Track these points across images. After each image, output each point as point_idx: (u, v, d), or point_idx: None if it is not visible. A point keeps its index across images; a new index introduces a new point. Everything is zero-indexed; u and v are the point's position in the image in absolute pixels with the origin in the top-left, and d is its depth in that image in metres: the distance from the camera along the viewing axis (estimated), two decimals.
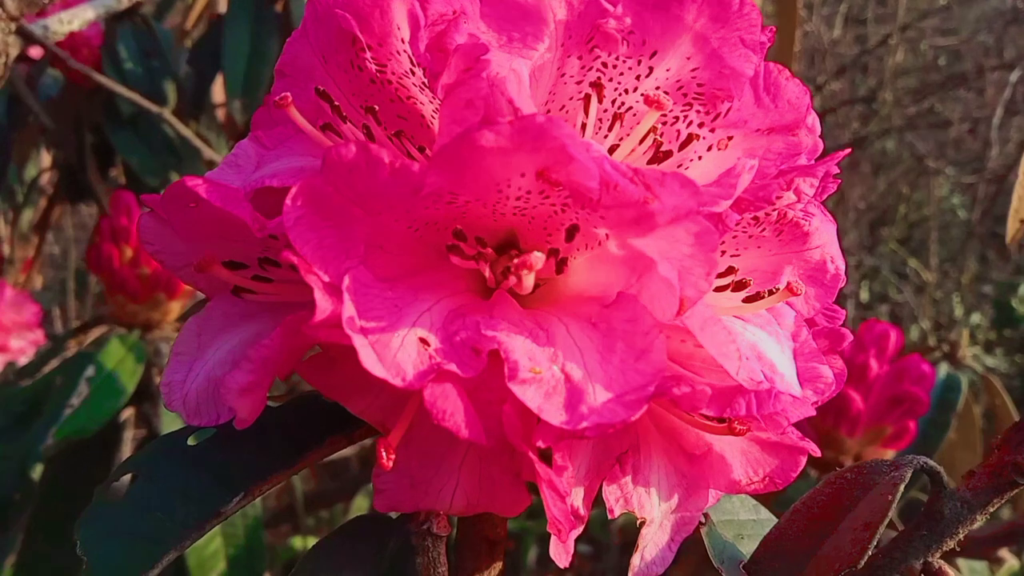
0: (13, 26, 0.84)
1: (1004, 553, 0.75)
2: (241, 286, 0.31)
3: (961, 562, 0.78)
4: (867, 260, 2.48)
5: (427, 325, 0.26)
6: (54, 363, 0.93)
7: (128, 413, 0.91)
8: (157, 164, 1.25)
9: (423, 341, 0.26)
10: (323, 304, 0.25)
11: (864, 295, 2.47)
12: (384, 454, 0.26)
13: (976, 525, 0.33)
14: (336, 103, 0.31)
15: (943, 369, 1.00)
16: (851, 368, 0.82)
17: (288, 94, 0.30)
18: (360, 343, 0.25)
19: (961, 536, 0.33)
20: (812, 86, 2.51)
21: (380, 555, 0.30)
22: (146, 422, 0.94)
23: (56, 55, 1.14)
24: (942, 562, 0.33)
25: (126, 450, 0.95)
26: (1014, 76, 2.10)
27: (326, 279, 0.26)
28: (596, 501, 0.33)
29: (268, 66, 1.22)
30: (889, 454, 0.84)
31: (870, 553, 0.31)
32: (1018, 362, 2.12)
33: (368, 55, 0.32)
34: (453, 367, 0.25)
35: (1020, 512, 0.70)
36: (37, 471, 0.87)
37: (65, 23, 1.03)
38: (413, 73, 0.32)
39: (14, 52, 0.90)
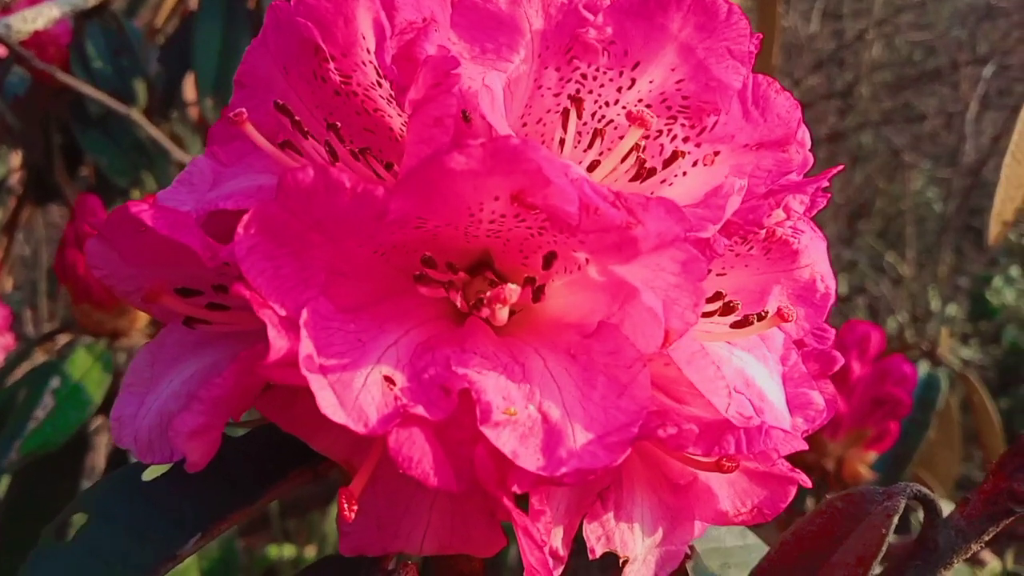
0: None
1: (985, 554, 0.74)
2: (194, 316, 0.28)
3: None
4: (845, 254, 2.49)
5: (393, 361, 0.24)
6: (20, 372, 0.89)
7: (100, 421, 0.88)
8: (127, 164, 1.21)
9: (388, 380, 0.24)
10: (278, 343, 0.23)
11: (842, 288, 2.48)
12: (346, 505, 0.24)
13: (970, 554, 0.32)
14: (297, 118, 0.29)
15: (923, 367, 1.00)
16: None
17: (244, 110, 0.28)
18: (318, 385, 0.22)
19: (957, 564, 0.32)
20: (790, 80, 2.51)
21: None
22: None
23: (16, 52, 1.10)
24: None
25: (100, 457, 0.92)
26: (987, 71, 2.10)
27: (282, 313, 0.24)
28: None
29: (239, 63, 1.19)
30: (871, 456, 0.83)
31: None
32: (992, 353, 2.14)
33: (332, 66, 0.29)
34: (420, 410, 0.23)
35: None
36: (2, 485, 0.84)
37: (29, 21, 0.99)
38: (380, 85, 0.29)
39: None
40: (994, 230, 0.70)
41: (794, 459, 0.67)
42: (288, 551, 1.43)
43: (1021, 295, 2.16)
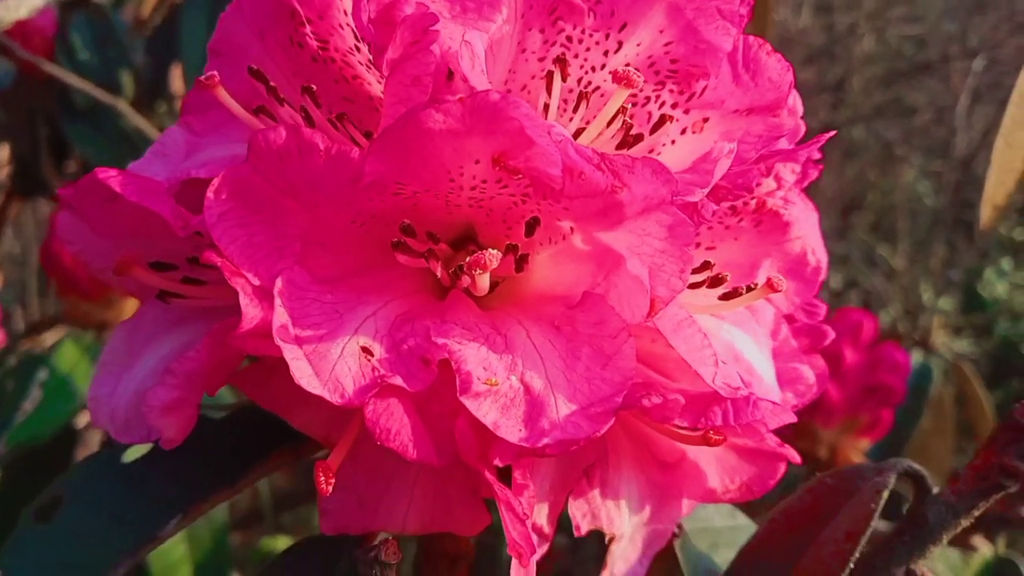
0: None
1: (977, 540, 0.74)
2: (168, 290, 0.27)
3: (938, 550, 0.77)
4: (837, 247, 2.48)
5: (371, 332, 0.23)
6: (7, 366, 0.88)
7: (88, 415, 0.87)
8: (114, 156, 1.19)
9: (366, 350, 0.23)
10: (250, 311, 0.22)
11: (835, 282, 2.48)
12: (323, 478, 0.23)
13: (960, 529, 0.31)
14: (272, 84, 0.28)
15: (916, 357, 0.99)
16: (825, 358, 0.80)
17: (215, 73, 0.27)
18: (293, 355, 0.21)
19: (945, 541, 0.31)
20: None
21: (341, 555, 0.27)
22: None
23: (4, 44, 1.08)
24: (924, 568, 0.30)
25: (90, 450, 0.91)
26: (977, 64, 2.11)
27: (256, 282, 0.23)
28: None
29: None
30: (864, 444, 0.83)
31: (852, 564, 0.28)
32: (984, 346, 2.14)
33: (308, 29, 0.28)
34: (399, 380, 0.22)
35: (997, 500, 0.69)
36: None
37: (12, 10, 0.98)
38: (358, 50, 0.28)
39: None
40: (986, 214, 0.70)
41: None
42: (282, 543, 1.42)
43: (1013, 288, 2.16)
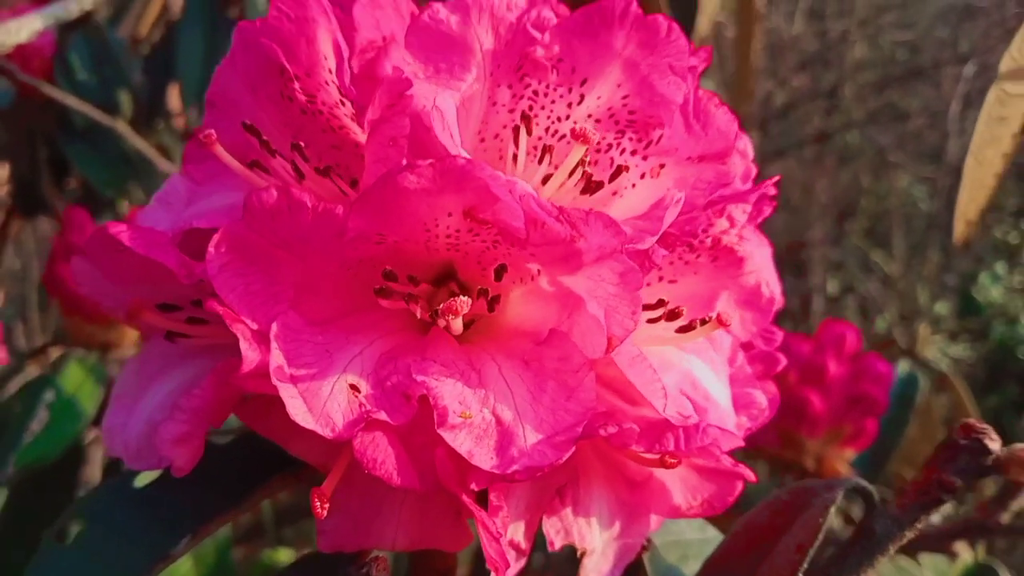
0: None
1: (959, 547, 0.76)
2: (174, 331, 0.30)
3: (924, 557, 0.80)
4: (833, 253, 2.51)
5: (358, 370, 0.26)
6: (12, 386, 0.91)
7: (94, 434, 0.90)
8: (113, 176, 1.23)
9: (353, 388, 0.26)
10: (250, 355, 0.25)
11: (832, 288, 2.50)
12: (318, 504, 0.26)
13: (905, 541, 0.34)
14: (265, 137, 0.31)
15: (903, 366, 1.02)
16: (810, 369, 0.83)
17: (212, 131, 0.30)
18: (288, 394, 0.24)
19: (892, 551, 0.34)
20: (774, 80, 2.54)
21: (340, 570, 0.29)
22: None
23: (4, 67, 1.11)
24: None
25: (95, 470, 0.94)
26: (968, 70, 2.14)
27: (254, 327, 0.26)
28: None
29: None
30: (849, 453, 0.85)
31: (805, 569, 0.31)
32: (980, 351, 2.17)
33: (297, 85, 0.31)
34: (383, 415, 0.25)
35: (977, 508, 0.72)
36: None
37: (13, 34, 1.01)
38: (343, 104, 0.31)
39: None
40: (959, 229, 0.73)
41: (773, 457, 0.68)
42: (284, 555, 1.45)
43: (1008, 292, 2.19)
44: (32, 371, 0.90)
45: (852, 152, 2.60)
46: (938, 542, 0.79)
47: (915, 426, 0.99)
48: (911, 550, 0.76)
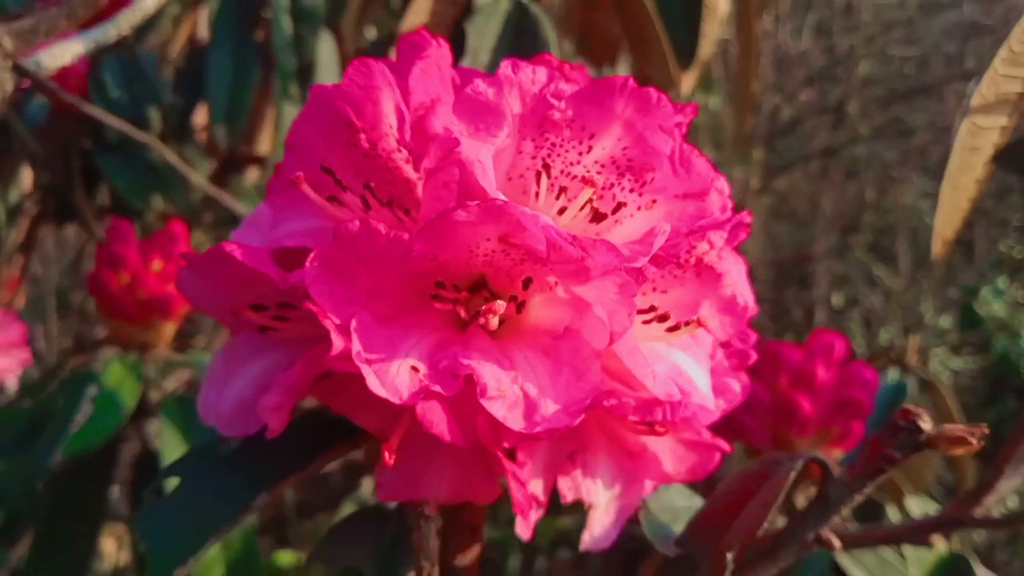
0: (10, 63, 0.92)
1: (935, 539, 0.85)
2: (266, 325, 0.39)
3: (908, 549, 0.88)
4: (838, 267, 2.60)
5: (416, 356, 0.35)
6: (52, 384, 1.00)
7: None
8: (142, 187, 1.32)
9: (414, 368, 0.35)
10: (337, 342, 0.34)
11: (836, 300, 2.59)
12: (387, 455, 0.35)
13: (855, 503, 0.42)
14: (338, 176, 0.40)
15: (892, 374, 1.10)
16: (800, 375, 0.92)
17: (301, 173, 0.39)
18: (367, 371, 0.33)
19: (845, 512, 0.42)
20: (781, 95, 2.63)
21: (383, 534, 0.38)
22: (141, 439, 1.01)
23: (44, 86, 1.21)
24: (829, 533, 0.42)
25: (122, 465, 1.03)
26: (972, 87, 2.22)
27: (337, 322, 0.35)
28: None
29: (249, 93, 1.31)
30: (837, 453, 0.94)
31: (768, 527, 0.40)
32: (981, 364, 2.25)
33: (362, 136, 0.40)
34: (438, 388, 0.34)
35: (953, 504, 0.80)
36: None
37: (57, 57, 1.11)
38: (400, 150, 0.40)
39: (10, 87, 0.98)
40: (937, 248, 0.82)
41: (764, 455, 0.75)
42: (286, 558, 1.53)
43: (1009, 306, 2.27)
44: (72, 369, 0.99)
45: (858, 166, 2.69)
46: (918, 535, 0.88)
47: None
48: (894, 543, 0.85)
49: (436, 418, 0.34)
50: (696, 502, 0.48)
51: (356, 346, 0.34)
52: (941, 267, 2.45)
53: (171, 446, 0.92)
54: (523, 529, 0.38)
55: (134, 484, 1.00)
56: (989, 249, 2.57)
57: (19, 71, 0.95)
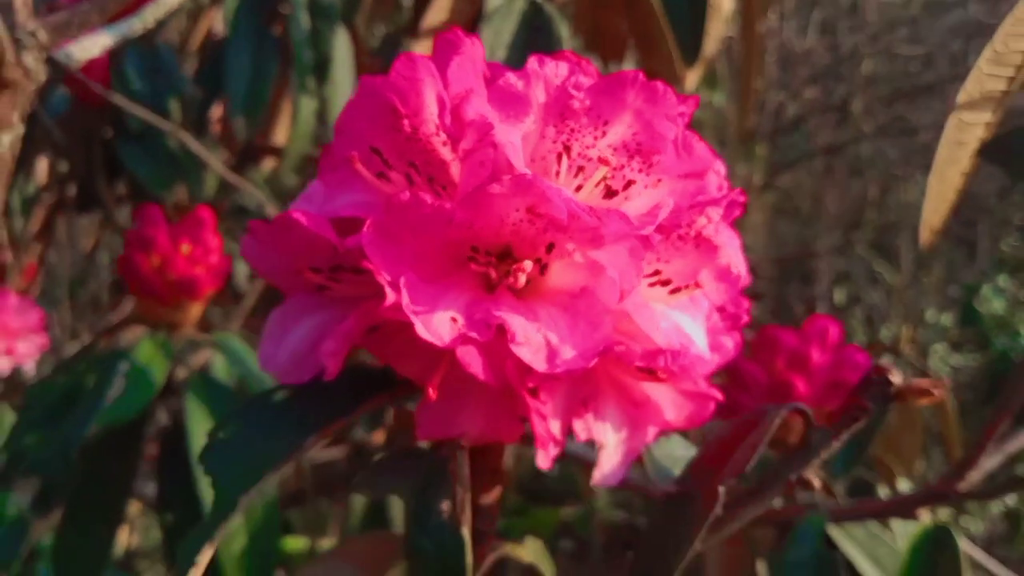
0: (44, 55, 0.99)
1: (921, 513, 0.92)
2: (323, 284, 0.46)
3: (896, 523, 0.95)
4: (842, 264, 2.67)
5: (455, 309, 0.42)
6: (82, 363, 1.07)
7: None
8: (163, 176, 1.40)
9: (453, 319, 0.41)
10: (390, 295, 0.41)
11: (839, 297, 2.66)
12: (431, 391, 0.42)
13: (833, 449, 0.49)
14: (385, 156, 0.47)
15: (885, 362, 1.17)
16: (796, 357, 0.99)
17: (355, 153, 0.46)
18: (415, 320, 0.40)
19: (823, 457, 0.49)
20: (786, 93, 2.70)
21: (419, 468, 0.45)
22: (170, 414, 1.08)
23: (68, 77, 1.28)
24: (810, 474, 0.49)
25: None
26: None
27: (389, 279, 0.42)
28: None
29: (268, 86, 1.38)
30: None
31: (753, 466, 0.47)
32: (981, 361, 2.32)
33: (405, 121, 0.47)
34: (474, 335, 0.41)
35: (939, 480, 0.87)
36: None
37: (86, 50, 1.18)
38: (438, 134, 0.47)
39: (43, 79, 1.05)
40: (924, 236, 0.89)
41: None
42: (292, 544, 1.60)
43: (1010, 304, 2.34)
44: (104, 348, 1.06)
45: (862, 164, 2.76)
46: (905, 509, 0.95)
47: (894, 415, 1.14)
48: (882, 517, 0.92)
49: (472, 360, 0.40)
50: (693, 452, 0.55)
51: (405, 299, 0.41)
52: (942, 265, 2.52)
53: (197, 420, 0.99)
54: (543, 461, 0.45)
55: (160, 458, 1.07)
56: (991, 248, 2.64)
57: (52, 64, 1.02)
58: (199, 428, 0.98)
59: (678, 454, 0.54)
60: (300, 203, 0.49)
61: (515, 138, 0.44)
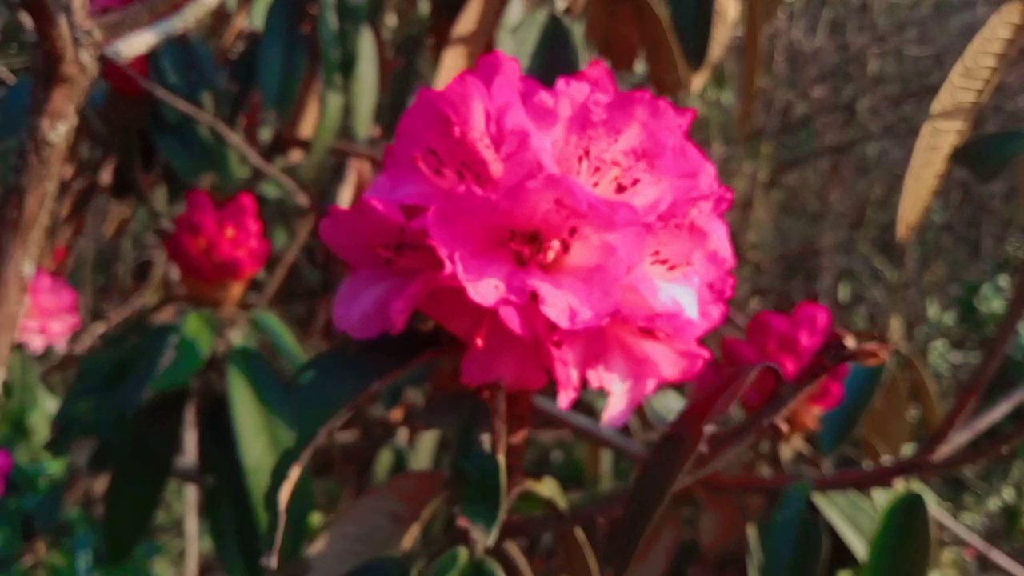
0: (98, 52, 1.13)
1: (897, 482, 1.05)
2: (389, 258, 0.60)
3: (876, 492, 1.09)
4: (846, 262, 2.80)
5: (497, 278, 0.56)
6: (134, 334, 1.21)
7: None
8: (196, 165, 1.53)
9: (496, 286, 0.55)
10: (448, 267, 0.54)
11: (843, 294, 2.79)
12: (479, 342, 0.55)
13: (796, 399, 0.63)
14: (440, 156, 0.61)
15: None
16: (786, 340, 1.12)
17: (418, 153, 0.59)
18: (468, 286, 0.54)
19: (788, 406, 0.63)
20: (794, 91, 2.83)
21: (465, 405, 0.59)
22: (209, 385, 1.22)
23: (107, 70, 1.42)
24: (780, 420, 0.62)
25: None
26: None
27: (447, 254, 0.55)
28: None
29: (298, 81, 1.51)
30: (817, 409, 1.14)
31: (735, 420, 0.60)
32: (979, 357, 2.44)
33: (456, 128, 0.61)
34: (513, 298, 0.54)
35: (916, 451, 1.01)
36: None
37: (133, 47, 1.32)
38: (482, 140, 0.61)
39: (95, 74, 1.19)
40: (901, 231, 1.02)
41: (756, 411, 0.97)
42: (313, 518, 1.74)
43: (1009, 303, 2.47)
44: (153, 322, 1.20)
45: (869, 164, 2.89)
46: (882, 479, 1.08)
47: (881, 398, 1.27)
48: (861, 486, 1.06)
49: (511, 318, 0.54)
50: (683, 403, 0.68)
51: (459, 269, 0.54)
52: (946, 264, 2.65)
53: (238, 389, 1.13)
54: (563, 400, 0.58)
55: (200, 425, 1.21)
56: (995, 248, 2.77)
57: (104, 60, 1.15)
58: (241, 396, 1.12)
59: (672, 406, 0.67)
60: (370, 192, 0.62)
61: (546, 144, 0.57)
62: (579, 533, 0.67)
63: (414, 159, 0.60)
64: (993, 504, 2.61)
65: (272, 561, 0.55)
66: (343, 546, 0.71)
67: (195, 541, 1.78)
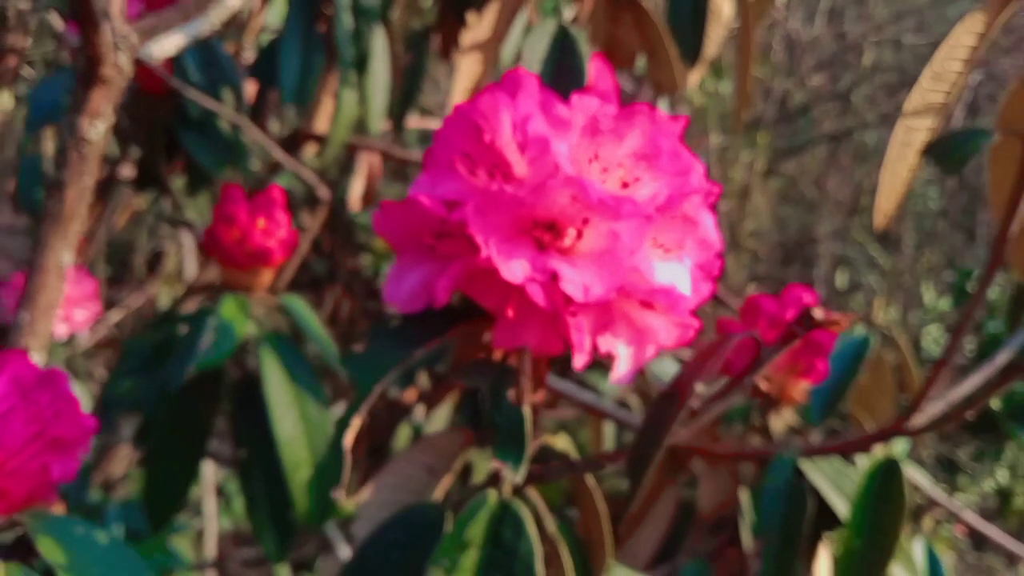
0: (133, 55, 1.27)
1: (876, 449, 1.20)
2: (432, 244, 0.75)
3: (859, 458, 1.24)
4: (844, 249, 2.96)
5: (523, 260, 0.70)
6: (172, 319, 1.35)
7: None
8: (218, 159, 1.68)
9: (523, 267, 0.70)
10: (484, 251, 0.69)
11: (840, 281, 2.95)
12: (509, 312, 0.70)
13: (772, 359, 0.78)
14: (473, 158, 0.75)
15: (859, 329, 1.46)
16: (775, 320, 1.27)
17: (455, 156, 0.74)
18: (501, 267, 0.68)
19: (765, 368, 0.78)
20: (792, 81, 2.98)
21: (495, 368, 0.74)
22: (242, 365, 1.37)
23: (138, 70, 1.55)
24: (759, 378, 0.77)
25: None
26: (974, 78, 2.57)
27: (483, 240, 0.70)
28: None
29: (316, 79, 1.66)
30: (804, 384, 1.29)
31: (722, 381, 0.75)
32: (973, 343, 2.60)
33: (486, 135, 0.75)
34: (537, 276, 0.69)
35: (895, 419, 1.16)
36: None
37: (164, 49, 1.46)
38: (508, 145, 0.75)
39: (130, 75, 1.34)
40: (878, 220, 1.17)
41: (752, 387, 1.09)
42: None
43: (1003, 290, 2.62)
44: (191, 307, 1.34)
45: (866, 152, 3.04)
46: (864, 446, 1.24)
47: (866, 375, 1.42)
48: (850, 453, 1.21)
49: (536, 293, 0.69)
50: (678, 367, 0.83)
51: (493, 253, 0.69)
52: (942, 251, 2.80)
53: (270, 368, 1.27)
54: (579, 361, 0.73)
55: (235, 402, 1.35)
56: (991, 235, 2.93)
57: (138, 62, 1.29)
58: (272, 374, 1.27)
59: (669, 370, 0.82)
60: (414, 189, 0.77)
61: (563, 148, 0.72)
62: (589, 479, 0.82)
63: (452, 161, 0.74)
64: (988, 486, 2.78)
65: (341, 493, 0.70)
66: (385, 495, 0.86)
67: (214, 520, 1.93)
